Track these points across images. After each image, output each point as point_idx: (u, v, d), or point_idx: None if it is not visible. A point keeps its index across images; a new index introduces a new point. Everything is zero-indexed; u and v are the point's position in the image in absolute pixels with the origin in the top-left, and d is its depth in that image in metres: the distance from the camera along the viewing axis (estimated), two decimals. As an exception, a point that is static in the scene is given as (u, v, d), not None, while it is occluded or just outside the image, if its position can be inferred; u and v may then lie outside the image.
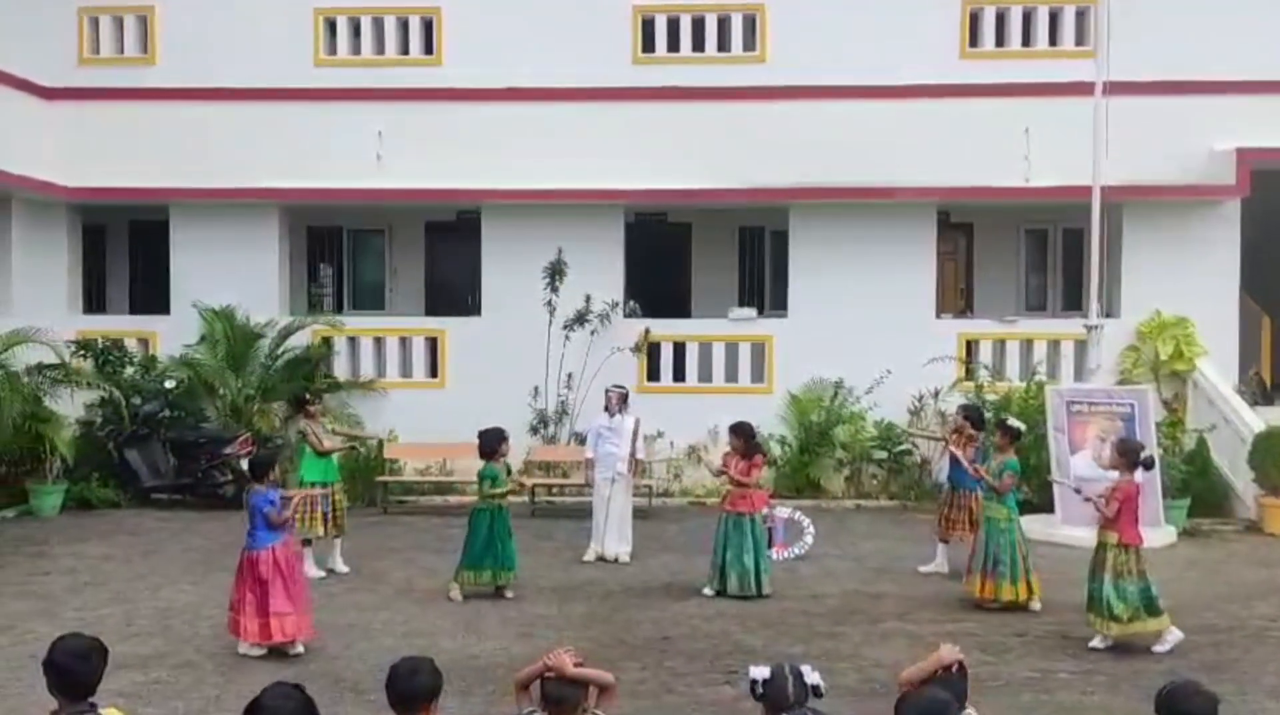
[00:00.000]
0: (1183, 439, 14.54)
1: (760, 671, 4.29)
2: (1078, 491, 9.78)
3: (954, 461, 11.04)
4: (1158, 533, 12.80)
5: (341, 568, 11.05)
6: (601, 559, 11.55)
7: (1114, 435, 13.12)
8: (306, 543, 10.68)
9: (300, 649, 8.34)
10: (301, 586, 8.60)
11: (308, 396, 11.79)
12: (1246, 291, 16.08)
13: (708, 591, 10.22)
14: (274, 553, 8.39)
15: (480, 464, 10.28)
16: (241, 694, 6.87)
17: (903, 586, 10.67)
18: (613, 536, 11.63)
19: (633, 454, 11.65)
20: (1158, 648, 8.56)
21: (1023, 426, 10.66)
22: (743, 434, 10.51)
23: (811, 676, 4.19)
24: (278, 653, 8.29)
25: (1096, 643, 8.66)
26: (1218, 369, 15.32)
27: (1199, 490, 13.91)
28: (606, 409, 11.87)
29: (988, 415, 12.30)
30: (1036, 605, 9.77)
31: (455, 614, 9.61)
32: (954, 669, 4.35)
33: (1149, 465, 9.23)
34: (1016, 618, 9.52)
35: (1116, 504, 8.63)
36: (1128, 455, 8.86)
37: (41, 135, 16.20)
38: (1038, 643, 8.87)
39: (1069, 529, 12.85)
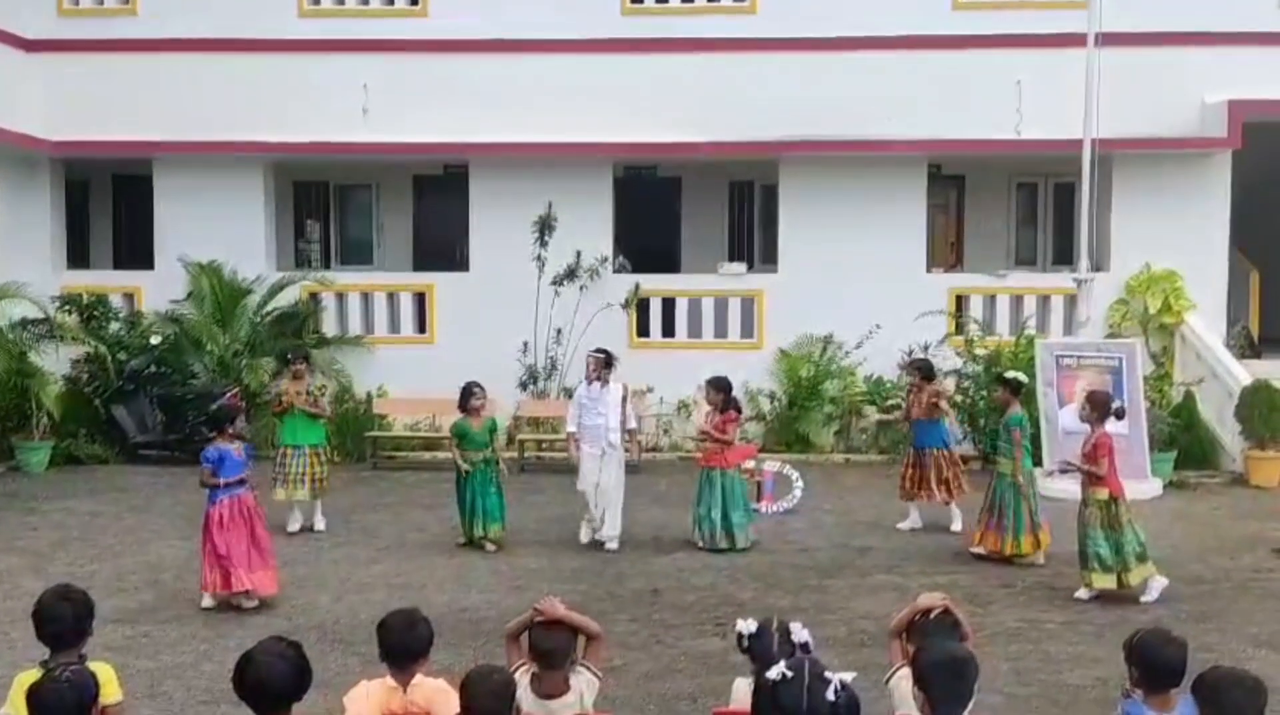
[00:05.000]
0: (1170, 392, 14.61)
1: (747, 626, 4.30)
2: (1065, 471, 9.83)
3: (915, 421, 11.10)
4: (1144, 485, 12.88)
5: (320, 526, 10.93)
6: (595, 542, 10.36)
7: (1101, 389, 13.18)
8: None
9: (255, 602, 8.31)
10: (261, 540, 8.47)
11: (290, 355, 11.55)
12: (1236, 245, 16.08)
13: (699, 544, 10.28)
14: (224, 507, 8.33)
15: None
16: (230, 648, 6.90)
17: (891, 540, 10.72)
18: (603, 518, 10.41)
19: (624, 424, 10.45)
20: (1145, 597, 8.63)
21: (1024, 378, 10.60)
22: (721, 388, 10.45)
23: (800, 634, 4.19)
24: (263, 605, 8.31)
25: (1082, 594, 8.73)
26: (1206, 323, 15.34)
27: (1186, 443, 13.98)
28: (587, 377, 10.63)
29: (956, 367, 12.13)
30: (1040, 559, 9.79)
31: (445, 567, 9.64)
32: (933, 615, 4.34)
33: (1120, 415, 9.30)
34: (1004, 570, 9.58)
35: (1105, 458, 8.64)
36: (1099, 407, 8.85)
37: (22, 88, 15.98)
38: (1025, 593, 8.94)
39: (1057, 482, 12.92)
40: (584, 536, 10.49)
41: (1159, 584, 8.69)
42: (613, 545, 10.26)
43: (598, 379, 10.42)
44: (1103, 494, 8.68)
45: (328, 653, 7.20)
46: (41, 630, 4.21)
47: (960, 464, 11.30)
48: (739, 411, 10.91)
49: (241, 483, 8.52)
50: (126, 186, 17.69)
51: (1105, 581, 8.62)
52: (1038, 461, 12.26)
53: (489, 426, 10.50)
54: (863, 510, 12.04)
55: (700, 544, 10.26)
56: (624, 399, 10.50)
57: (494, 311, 15.62)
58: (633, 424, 10.74)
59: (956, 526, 10.92)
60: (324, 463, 10.96)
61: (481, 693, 3.74)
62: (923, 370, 11.31)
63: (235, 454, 8.52)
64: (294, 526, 10.73)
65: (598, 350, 10.71)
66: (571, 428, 10.66)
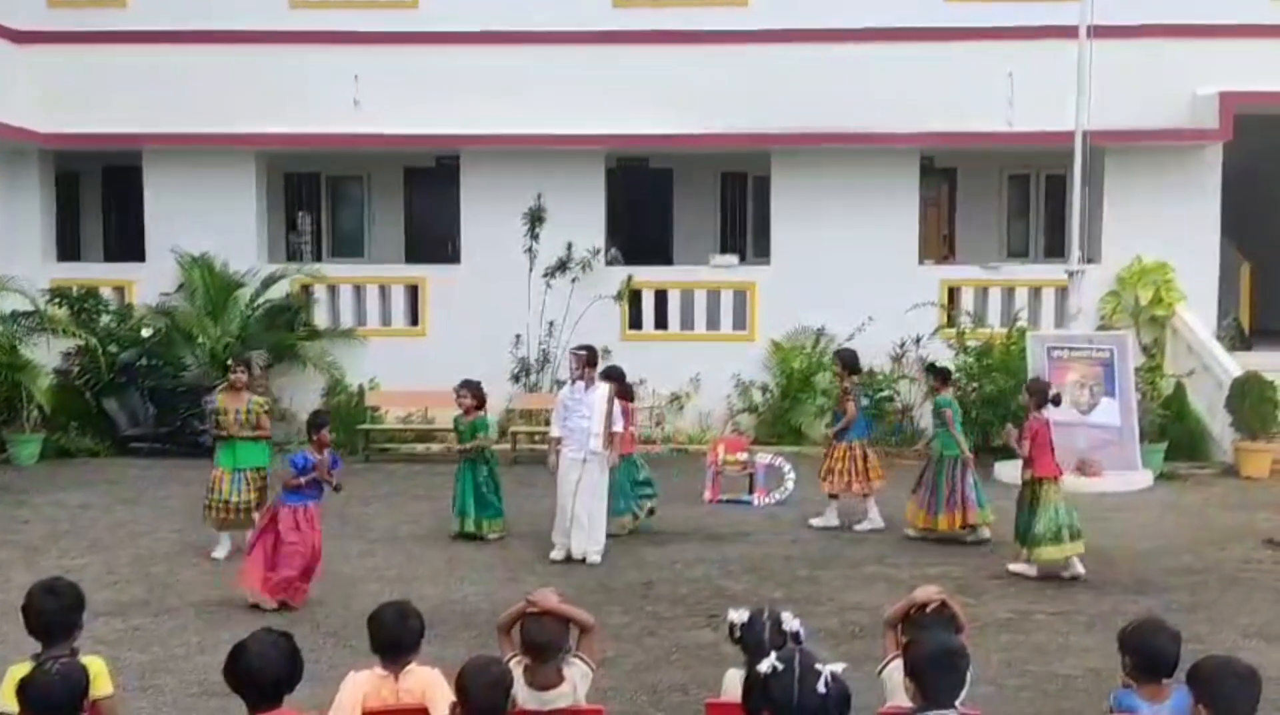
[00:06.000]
0: (1161, 384, 14.64)
1: (739, 616, 4.30)
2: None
3: (836, 415, 11.20)
4: (1135, 476, 12.94)
5: (221, 554, 9.54)
6: (570, 559, 9.54)
7: (1090, 380, 13.23)
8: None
9: (273, 605, 8.18)
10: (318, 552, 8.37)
11: (229, 361, 10.02)
12: (1227, 237, 16.11)
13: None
14: (296, 512, 8.23)
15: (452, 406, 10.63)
16: (222, 641, 6.87)
17: (882, 531, 10.73)
18: (580, 531, 9.54)
19: (608, 427, 9.63)
20: (1066, 572, 9.04)
21: (950, 367, 11.35)
22: (613, 377, 10.24)
23: (791, 623, 4.20)
24: (241, 603, 8.29)
25: (1020, 568, 9.13)
26: (1197, 314, 15.38)
27: (1176, 434, 14.03)
28: (570, 377, 10.04)
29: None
30: (985, 533, 10.15)
31: (438, 560, 9.64)
32: (929, 608, 4.35)
33: (1056, 402, 9.80)
34: (995, 560, 9.60)
35: (1029, 442, 9.20)
36: (1036, 394, 9.50)
37: (12, 80, 15.91)
38: (1015, 584, 8.96)
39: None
40: (556, 554, 9.59)
41: (1078, 564, 9.09)
42: (595, 559, 9.51)
43: (581, 378, 9.75)
44: (1028, 474, 9.25)
45: (320, 645, 7.19)
46: (31, 624, 4.20)
47: (869, 457, 11.11)
48: (630, 399, 10.75)
49: (318, 493, 8.43)
50: (117, 179, 17.61)
51: (1035, 555, 9.11)
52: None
53: (471, 426, 10.45)
54: (853, 502, 12.02)
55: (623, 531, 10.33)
56: (610, 400, 9.70)
57: (486, 304, 15.59)
58: (618, 427, 9.82)
59: (862, 527, 10.80)
60: (263, 487, 9.58)
61: (478, 685, 3.74)
62: (845, 362, 11.32)
63: (314, 461, 8.37)
64: (221, 553, 9.50)
65: (579, 347, 10.12)
66: (555, 432, 9.93)
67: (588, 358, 9.82)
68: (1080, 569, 9.07)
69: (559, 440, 9.82)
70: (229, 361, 10.00)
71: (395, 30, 16.02)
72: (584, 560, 9.49)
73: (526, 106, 15.52)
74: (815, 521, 10.96)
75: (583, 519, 9.54)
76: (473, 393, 10.53)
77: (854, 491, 10.90)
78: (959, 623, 4.34)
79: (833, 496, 10.95)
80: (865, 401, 12.05)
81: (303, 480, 8.28)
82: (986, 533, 10.17)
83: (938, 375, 10.91)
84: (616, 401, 9.85)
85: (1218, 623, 7.93)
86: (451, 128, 15.61)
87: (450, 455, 14.12)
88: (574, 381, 9.85)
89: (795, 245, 15.92)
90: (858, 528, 10.81)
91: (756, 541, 10.34)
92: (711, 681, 5.63)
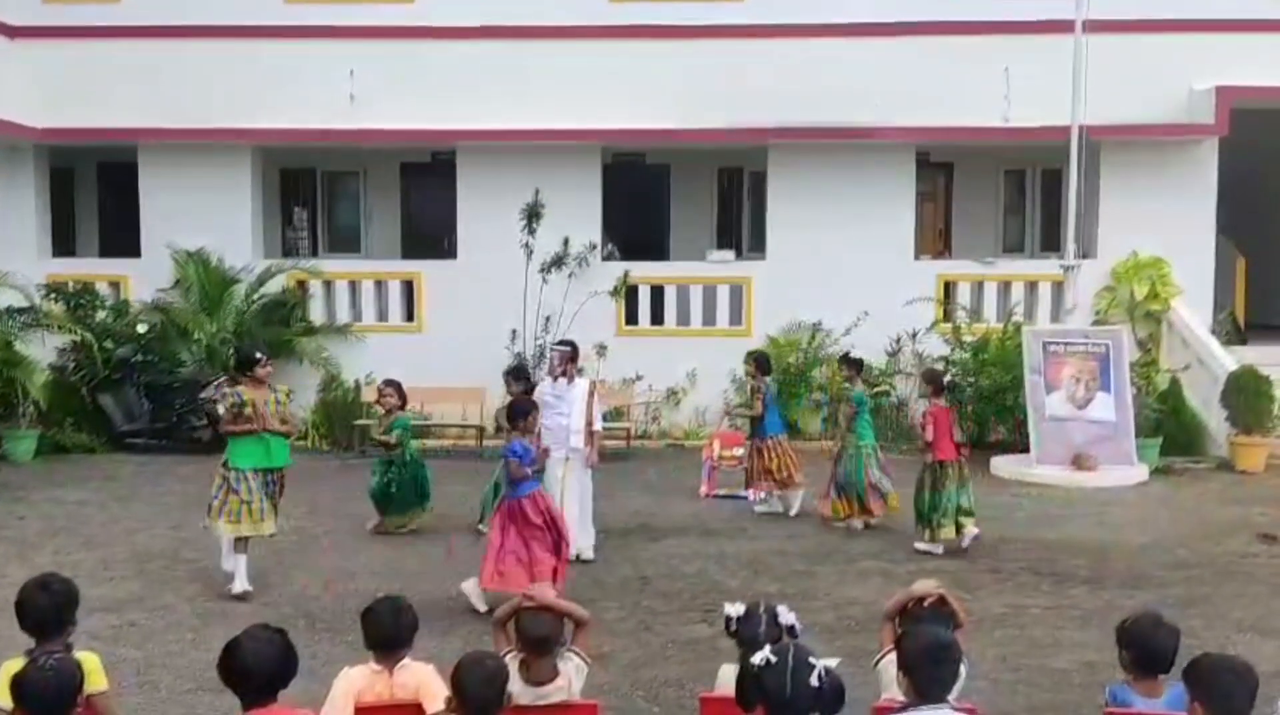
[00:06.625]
0: (1156, 378, 14.65)
1: (735, 610, 4.31)
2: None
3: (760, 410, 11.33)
4: (1131, 471, 12.96)
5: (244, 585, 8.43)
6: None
7: (1086, 375, 13.24)
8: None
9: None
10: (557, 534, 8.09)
11: (254, 352, 8.76)
12: (1222, 231, 16.12)
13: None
14: (526, 503, 7.99)
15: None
16: (218, 636, 6.86)
17: (878, 526, 10.74)
18: (571, 529, 8.97)
19: (589, 425, 9.41)
20: (965, 543, 9.62)
21: (863, 358, 11.57)
22: (518, 377, 10.19)
23: (787, 616, 4.20)
24: (251, 593, 8.29)
25: (924, 545, 9.65)
26: (1192, 309, 15.40)
27: (1172, 429, 14.04)
28: (550, 372, 9.75)
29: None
30: (858, 524, 10.51)
31: (432, 555, 9.63)
32: (926, 602, 4.36)
33: (951, 388, 10.66)
34: (990, 555, 9.61)
35: (930, 427, 9.76)
36: (933, 382, 10.20)
37: (6, 75, 15.87)
38: (1011, 579, 8.97)
39: (1044, 468, 12.98)
40: None
41: (973, 532, 9.69)
42: (588, 555, 9.38)
43: (563, 374, 9.50)
44: (928, 458, 9.82)
45: (315, 640, 7.19)
46: (23, 620, 4.20)
47: (786, 451, 11.31)
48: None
49: (539, 479, 8.24)
50: (112, 174, 17.59)
51: (933, 534, 9.66)
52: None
53: (389, 426, 10.58)
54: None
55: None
56: (591, 395, 9.51)
57: (482, 299, 15.58)
58: (598, 425, 9.60)
59: (794, 512, 11.15)
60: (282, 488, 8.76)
61: (474, 680, 3.74)
62: (758, 362, 11.48)
63: (534, 449, 8.22)
64: (235, 567, 8.43)
65: (561, 342, 9.94)
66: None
67: (571, 353, 9.65)
68: (974, 530, 9.69)
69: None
70: (256, 354, 8.65)
71: (391, 25, 15.99)
72: (578, 557, 9.24)
73: (523, 102, 15.50)
74: (758, 508, 11.24)
75: (573, 515, 9.25)
76: (397, 392, 10.64)
77: (796, 482, 11.20)
78: (957, 619, 4.35)
79: (770, 491, 11.30)
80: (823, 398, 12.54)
81: (529, 470, 8.07)
82: (859, 524, 10.55)
83: (851, 366, 11.07)
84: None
85: (1212, 617, 7.93)
86: (448, 123, 15.60)
87: (450, 451, 14.21)
88: (555, 378, 9.58)
89: (791, 241, 15.92)
90: (758, 510, 11.16)
91: (752, 536, 10.35)
92: (707, 676, 5.63)
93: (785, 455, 11.21)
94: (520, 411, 8.32)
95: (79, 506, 11.53)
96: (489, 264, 15.70)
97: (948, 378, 10.68)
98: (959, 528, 9.63)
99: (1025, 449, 13.35)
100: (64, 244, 17.55)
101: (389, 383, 10.88)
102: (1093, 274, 15.37)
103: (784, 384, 15.56)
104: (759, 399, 11.25)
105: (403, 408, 10.86)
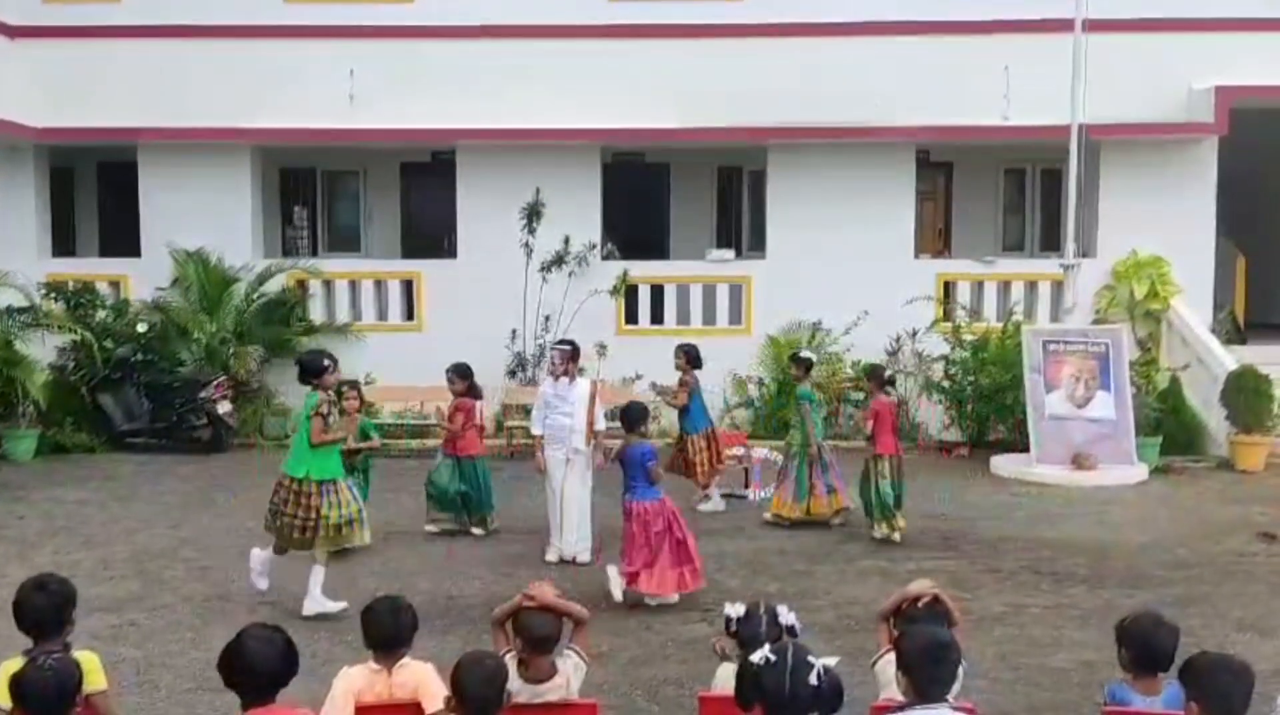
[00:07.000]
0: (1156, 378, 14.64)
1: (735, 610, 4.31)
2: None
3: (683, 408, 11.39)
4: (1130, 470, 12.96)
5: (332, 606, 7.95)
6: (563, 560, 9.34)
7: (1086, 374, 13.25)
8: (281, 551, 8.14)
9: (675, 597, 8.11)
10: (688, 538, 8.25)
11: (326, 363, 8.11)
12: (1222, 231, 16.12)
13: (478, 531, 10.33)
14: (648, 506, 8.13)
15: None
16: (218, 636, 6.87)
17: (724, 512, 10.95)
18: (570, 531, 9.39)
19: (591, 424, 9.36)
20: (835, 521, 10.36)
21: (813, 357, 11.64)
22: (462, 375, 10.32)
23: (787, 617, 4.21)
24: (236, 599, 8.27)
25: (876, 533, 10.01)
26: (1192, 308, 15.39)
27: (1172, 428, 14.03)
28: (551, 372, 9.73)
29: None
30: (837, 521, 10.57)
31: (432, 554, 9.64)
32: (921, 602, 4.36)
33: (893, 382, 11.07)
34: (989, 554, 9.62)
35: (871, 421, 10.15)
36: (876, 378, 10.55)
37: (6, 74, 15.87)
38: (1010, 578, 8.97)
39: (1044, 468, 12.98)
40: (551, 555, 9.42)
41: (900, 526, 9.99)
42: (585, 557, 9.33)
43: (564, 373, 9.46)
44: (869, 452, 10.15)
45: (314, 640, 7.19)
46: (21, 621, 4.20)
47: (709, 448, 11.33)
48: (477, 397, 10.58)
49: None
50: (112, 173, 17.59)
51: (883, 527, 10.00)
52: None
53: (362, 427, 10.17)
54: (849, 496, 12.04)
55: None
56: (592, 396, 9.45)
57: (482, 299, 15.57)
58: (600, 425, 9.53)
59: (705, 507, 11.17)
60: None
61: (474, 679, 3.74)
62: (688, 354, 11.50)
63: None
64: (338, 603, 7.91)
65: (562, 341, 9.88)
66: (537, 430, 9.61)
67: (572, 352, 9.59)
68: (884, 534, 10.00)
69: (541, 438, 9.59)
70: (325, 361, 8.11)
71: (391, 24, 15.99)
72: (574, 560, 9.34)
73: (522, 101, 15.50)
74: (703, 506, 11.22)
75: (572, 517, 9.35)
76: (360, 394, 10.41)
77: (722, 470, 11.36)
78: (952, 618, 4.34)
79: (704, 486, 11.33)
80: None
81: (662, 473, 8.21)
82: (837, 520, 10.62)
83: (799, 365, 11.05)
84: (478, 403, 10.22)
85: (1212, 616, 7.94)
86: (447, 122, 15.60)
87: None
88: (557, 377, 9.56)
89: (791, 240, 15.92)
90: (701, 508, 11.13)
91: (751, 536, 10.35)
92: (706, 676, 5.64)
93: (704, 452, 11.19)
94: (642, 414, 8.47)
95: (79, 506, 11.53)
96: (489, 263, 15.69)
97: (888, 373, 11.09)
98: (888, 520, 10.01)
99: (1025, 448, 13.35)
100: (64, 243, 17.55)
101: (351, 385, 10.32)
102: (1092, 273, 15.37)
103: (784, 383, 15.59)
104: (684, 391, 11.27)
105: (359, 410, 10.45)
